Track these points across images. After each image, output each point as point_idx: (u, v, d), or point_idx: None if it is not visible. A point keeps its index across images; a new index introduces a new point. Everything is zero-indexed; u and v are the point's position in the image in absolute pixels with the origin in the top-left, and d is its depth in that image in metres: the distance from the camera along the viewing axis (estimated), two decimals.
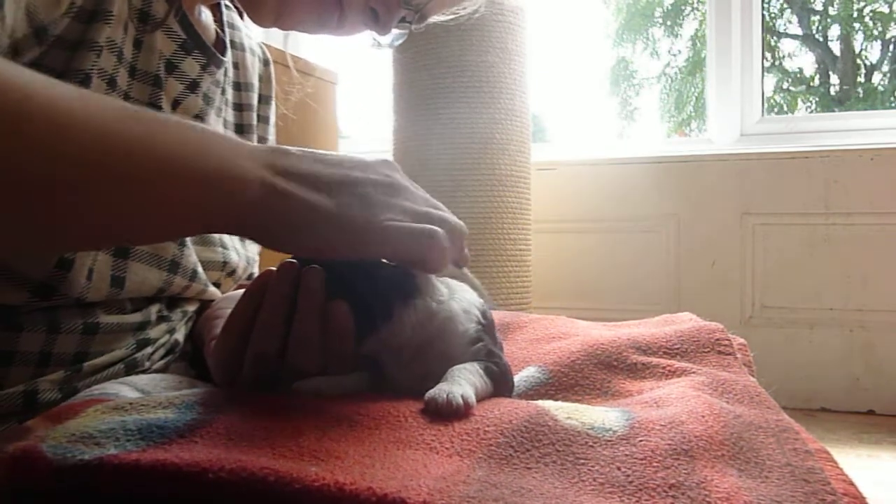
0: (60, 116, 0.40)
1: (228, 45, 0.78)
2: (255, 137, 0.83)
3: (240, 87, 0.82)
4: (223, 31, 0.78)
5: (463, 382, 0.48)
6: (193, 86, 0.69)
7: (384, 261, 0.53)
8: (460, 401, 0.45)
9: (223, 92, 0.77)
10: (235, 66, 0.82)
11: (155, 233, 0.49)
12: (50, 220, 0.41)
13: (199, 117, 0.71)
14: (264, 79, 0.88)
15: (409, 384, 0.52)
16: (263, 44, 0.90)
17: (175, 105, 0.68)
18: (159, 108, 0.64)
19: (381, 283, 0.52)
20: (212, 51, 0.71)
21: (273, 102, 0.90)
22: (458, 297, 0.56)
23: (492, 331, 0.57)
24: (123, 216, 0.43)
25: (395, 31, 0.74)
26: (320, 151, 0.52)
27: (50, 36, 0.54)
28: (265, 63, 0.89)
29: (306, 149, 0.51)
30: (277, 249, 0.50)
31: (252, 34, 0.87)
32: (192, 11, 0.71)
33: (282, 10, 0.69)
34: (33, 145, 0.38)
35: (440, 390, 0.46)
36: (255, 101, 0.84)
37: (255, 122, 0.84)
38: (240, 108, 0.82)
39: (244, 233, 0.49)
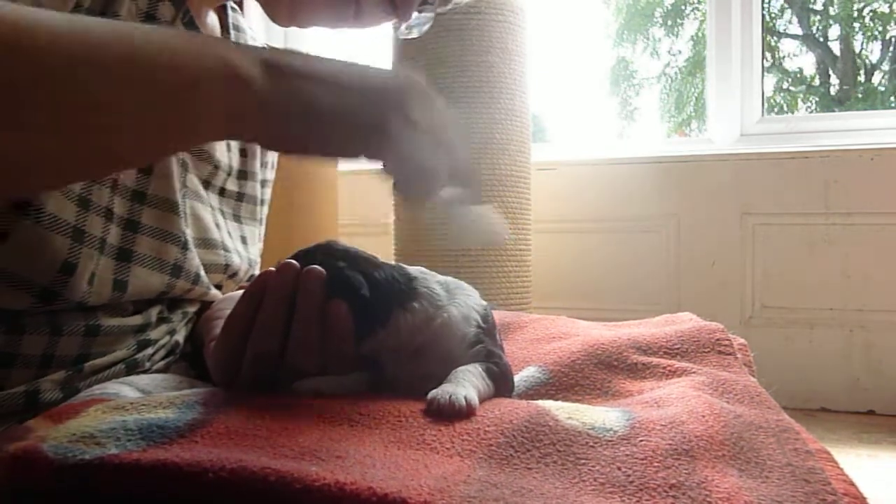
0: (84, 39, 0.39)
1: None
2: None
3: None
4: (228, 34, 0.77)
5: (466, 384, 0.48)
6: None
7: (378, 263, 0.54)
8: (463, 402, 0.45)
9: None
10: None
11: (167, 145, 0.48)
12: (85, 137, 0.40)
13: None
14: None
15: (409, 384, 0.52)
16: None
17: None
18: None
19: (380, 286, 0.52)
20: None
21: None
22: (459, 300, 0.56)
23: (492, 333, 0.58)
24: (147, 126, 0.43)
25: (421, 16, 0.72)
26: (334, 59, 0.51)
27: None
28: None
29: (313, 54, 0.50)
30: (279, 147, 0.49)
31: (258, 37, 0.87)
32: (199, 14, 0.70)
33: (295, 8, 0.69)
34: (63, 65, 0.38)
35: (443, 391, 0.46)
36: None
37: None
38: None
39: (251, 133, 0.48)
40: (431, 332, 0.53)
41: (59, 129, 0.39)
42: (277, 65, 0.46)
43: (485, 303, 0.59)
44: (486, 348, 0.54)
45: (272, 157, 0.88)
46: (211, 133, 0.48)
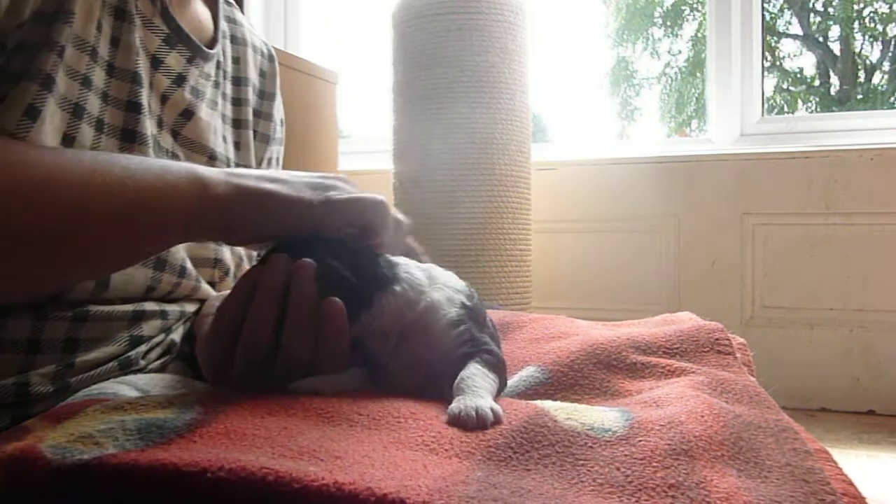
0: (39, 174, 0.48)
1: (225, 38, 0.78)
2: (250, 133, 0.83)
3: (239, 81, 0.82)
4: (218, 27, 0.77)
5: (484, 394, 0.48)
6: (180, 80, 0.69)
7: (365, 247, 0.56)
8: (490, 415, 0.44)
9: (217, 86, 0.76)
10: (236, 60, 0.81)
11: (143, 253, 0.58)
12: (46, 267, 0.49)
13: (189, 111, 0.70)
14: (269, 75, 0.87)
15: (401, 375, 0.52)
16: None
17: (164, 100, 0.68)
18: (139, 104, 0.64)
19: (362, 271, 0.53)
20: (196, 44, 0.70)
21: (278, 100, 0.89)
22: (441, 284, 0.57)
23: (477, 315, 0.57)
24: (113, 250, 0.52)
25: None
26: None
27: (10, 44, 0.55)
28: (270, 59, 0.88)
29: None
30: (244, 240, 0.59)
31: (255, 30, 0.87)
32: (177, 4, 0.70)
33: None
34: (20, 204, 0.46)
35: (466, 405, 0.45)
36: (250, 96, 0.83)
37: (250, 117, 0.83)
38: (238, 102, 0.81)
39: (214, 231, 0.56)
40: (415, 316, 0.54)
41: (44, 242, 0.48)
42: (238, 172, 0.56)
43: (465, 283, 0.60)
44: (469, 331, 0.54)
45: (274, 153, 0.88)
46: (174, 232, 0.55)
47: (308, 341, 0.50)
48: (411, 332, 0.53)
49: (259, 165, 0.85)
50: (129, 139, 0.63)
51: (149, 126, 0.64)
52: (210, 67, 0.74)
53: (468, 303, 0.56)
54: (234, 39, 0.81)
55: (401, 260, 0.57)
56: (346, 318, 0.51)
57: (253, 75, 0.84)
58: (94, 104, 0.60)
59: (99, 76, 0.61)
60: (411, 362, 0.52)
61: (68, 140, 0.57)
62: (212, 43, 0.75)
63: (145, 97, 0.65)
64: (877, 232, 2.07)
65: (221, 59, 0.78)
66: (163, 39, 0.67)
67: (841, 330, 2.10)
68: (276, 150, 0.89)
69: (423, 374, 0.51)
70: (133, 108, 0.63)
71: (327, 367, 0.51)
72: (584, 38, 3.87)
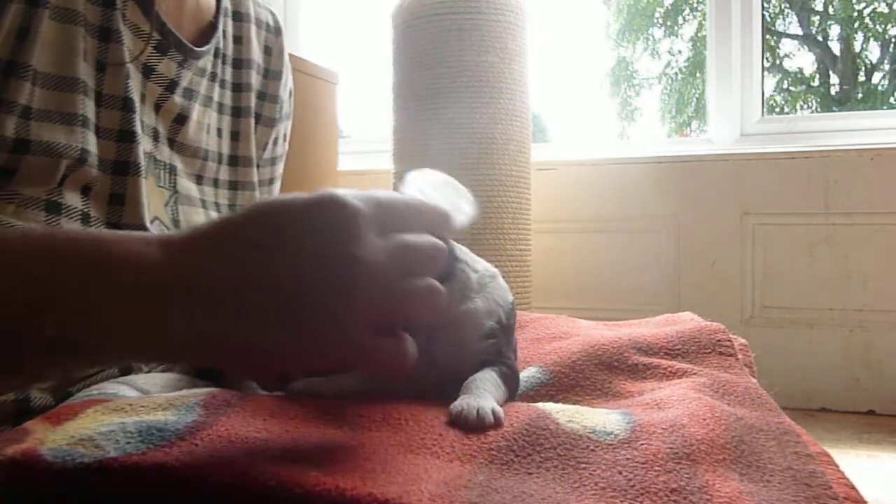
0: None
1: (227, 15, 0.74)
2: (251, 121, 0.78)
3: (240, 64, 0.77)
4: (221, 1, 0.73)
5: (488, 396, 0.48)
6: (172, 86, 0.67)
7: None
8: (492, 418, 0.44)
9: (213, 78, 0.73)
10: (238, 40, 0.76)
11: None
12: None
13: (182, 115, 0.68)
14: (274, 51, 0.82)
15: (415, 375, 0.52)
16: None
17: (157, 109, 0.66)
18: (132, 132, 0.61)
19: None
20: (188, 46, 0.67)
21: (285, 76, 0.83)
22: (487, 293, 0.56)
23: (509, 331, 0.58)
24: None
25: None
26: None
27: None
28: (276, 33, 0.82)
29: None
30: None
31: (261, 0, 0.81)
32: (166, 3, 0.66)
33: None
34: None
35: (469, 405, 0.45)
36: (253, 80, 0.78)
37: (252, 102, 0.79)
38: (238, 88, 0.77)
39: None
40: (453, 317, 0.53)
41: None
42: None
43: (511, 298, 0.59)
44: (497, 345, 0.55)
45: (281, 130, 0.85)
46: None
47: None
48: (443, 332, 0.53)
49: (263, 149, 0.81)
50: (122, 171, 0.61)
51: (142, 152, 0.62)
52: (205, 61, 0.70)
53: (504, 321, 0.56)
54: (237, 16, 0.76)
55: (464, 254, 0.55)
56: None
57: (256, 55, 0.79)
58: (91, 142, 0.58)
59: (90, 110, 0.58)
60: (433, 361, 0.52)
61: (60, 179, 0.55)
62: (210, 29, 0.72)
63: (137, 120, 0.62)
64: (877, 232, 2.07)
65: (221, 44, 0.73)
66: (154, 47, 0.64)
67: (841, 330, 2.10)
68: (284, 127, 0.85)
69: (439, 375, 0.51)
70: (125, 136, 0.61)
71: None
72: (584, 38, 3.88)
